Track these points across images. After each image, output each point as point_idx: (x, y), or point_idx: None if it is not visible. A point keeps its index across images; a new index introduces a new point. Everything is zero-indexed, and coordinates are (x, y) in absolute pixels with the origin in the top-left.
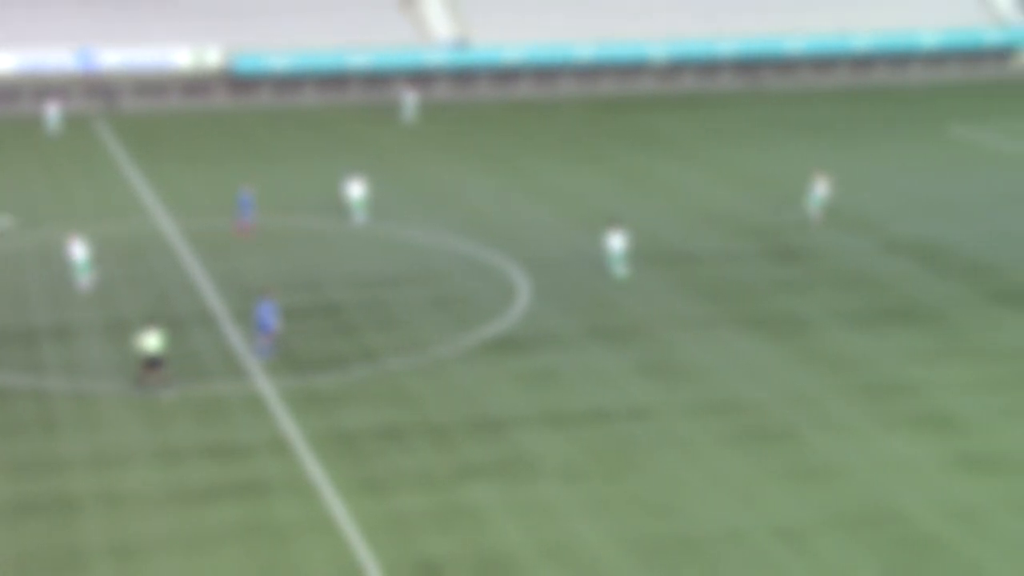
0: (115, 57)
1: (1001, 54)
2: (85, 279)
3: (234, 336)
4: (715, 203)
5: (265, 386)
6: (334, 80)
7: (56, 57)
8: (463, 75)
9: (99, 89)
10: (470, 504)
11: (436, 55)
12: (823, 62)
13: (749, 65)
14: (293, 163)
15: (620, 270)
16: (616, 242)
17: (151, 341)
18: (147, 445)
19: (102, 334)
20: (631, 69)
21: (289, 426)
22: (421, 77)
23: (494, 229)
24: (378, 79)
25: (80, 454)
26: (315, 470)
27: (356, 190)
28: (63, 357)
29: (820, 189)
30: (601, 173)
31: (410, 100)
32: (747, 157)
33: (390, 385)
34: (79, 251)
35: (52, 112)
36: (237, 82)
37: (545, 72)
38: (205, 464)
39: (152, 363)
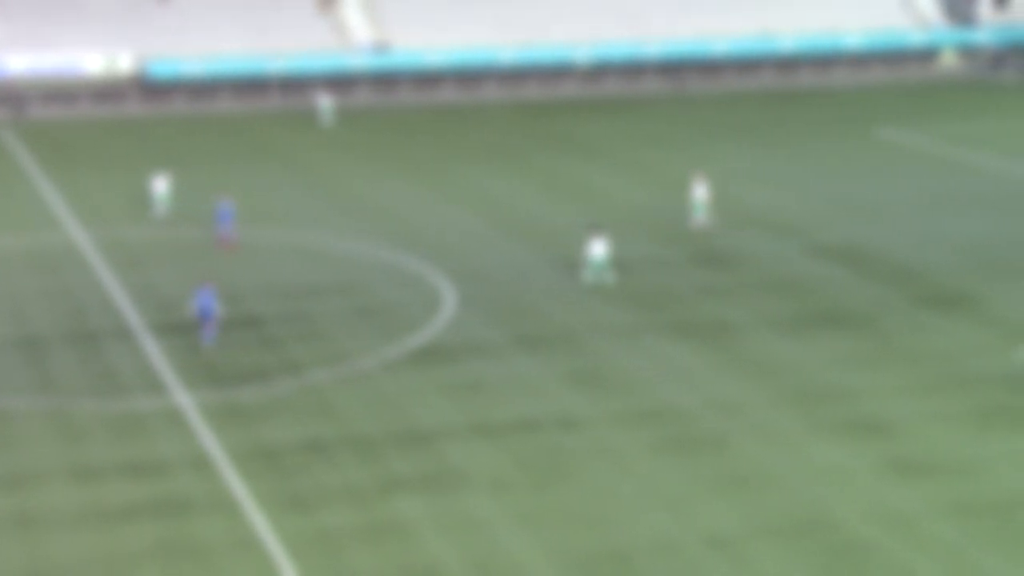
0: (22, 62)
1: (925, 56)
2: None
3: (152, 350)
4: (641, 208)
5: (185, 401)
6: (251, 86)
7: None
8: (384, 80)
9: (5, 96)
10: (397, 519)
11: (356, 60)
12: (747, 64)
13: (673, 68)
14: (209, 171)
15: (605, 276)
16: (598, 248)
17: None
18: (62, 463)
19: (13, 349)
20: (555, 73)
21: (210, 442)
22: (341, 82)
23: (417, 237)
24: (296, 84)
25: None
26: (237, 486)
27: (161, 186)
28: None
29: (699, 192)
30: (526, 179)
31: (327, 105)
32: (672, 161)
33: (314, 398)
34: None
35: None
36: (150, 88)
37: (468, 77)
38: (123, 482)
39: None
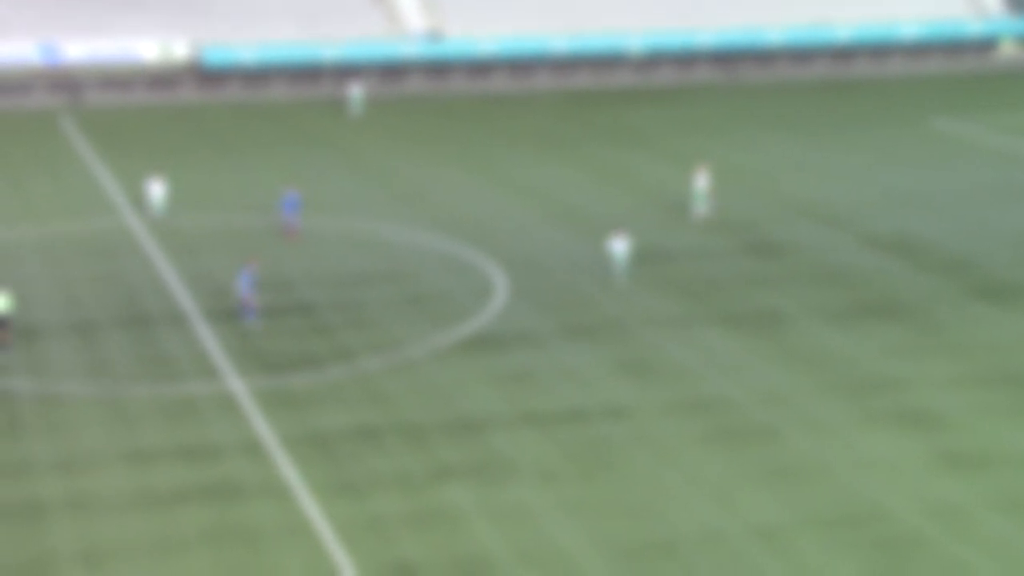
0: (80, 50)
1: (983, 46)
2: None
3: (206, 336)
4: (690, 198)
5: (237, 386)
6: (305, 74)
7: (19, 50)
8: (436, 68)
9: (63, 83)
10: (446, 506)
11: (409, 48)
12: (802, 54)
13: (727, 57)
14: (262, 159)
15: (625, 273)
16: (619, 247)
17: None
18: (116, 447)
19: (68, 334)
20: (607, 62)
21: (262, 427)
22: (393, 70)
23: (469, 226)
24: (349, 72)
25: (47, 458)
26: (289, 472)
27: (156, 189)
28: (28, 359)
29: (701, 182)
30: (577, 167)
31: (357, 95)
32: (724, 151)
33: (365, 385)
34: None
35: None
36: (205, 75)
37: (520, 65)
38: (176, 466)
39: (1, 323)
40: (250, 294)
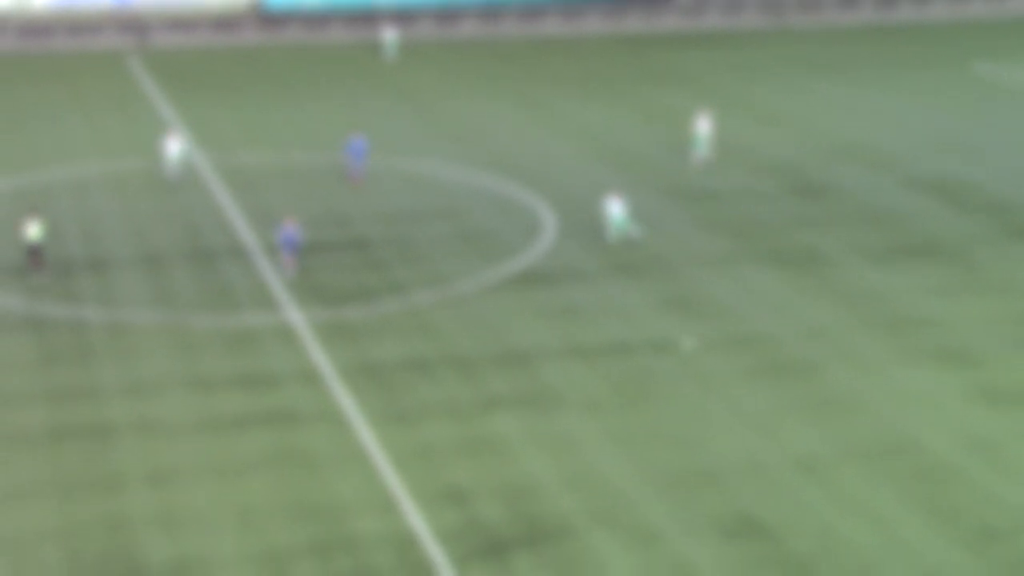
0: None
1: None
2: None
3: (266, 269)
4: (737, 140)
5: (296, 318)
6: (365, 17)
7: None
8: (489, 11)
9: (131, 25)
10: (494, 434)
11: None
12: None
13: (774, 2)
14: (321, 101)
15: (632, 231)
16: (615, 208)
17: (33, 230)
18: (180, 374)
19: (136, 266)
20: (656, 6)
21: (319, 357)
22: (448, 14)
23: (520, 165)
24: (407, 16)
25: (116, 383)
26: (344, 400)
27: (173, 146)
28: (98, 289)
29: (703, 127)
30: (625, 110)
31: (391, 39)
32: (770, 94)
33: (417, 318)
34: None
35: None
36: (267, 18)
37: (571, 9)
38: (237, 393)
39: (34, 251)
40: (289, 250)
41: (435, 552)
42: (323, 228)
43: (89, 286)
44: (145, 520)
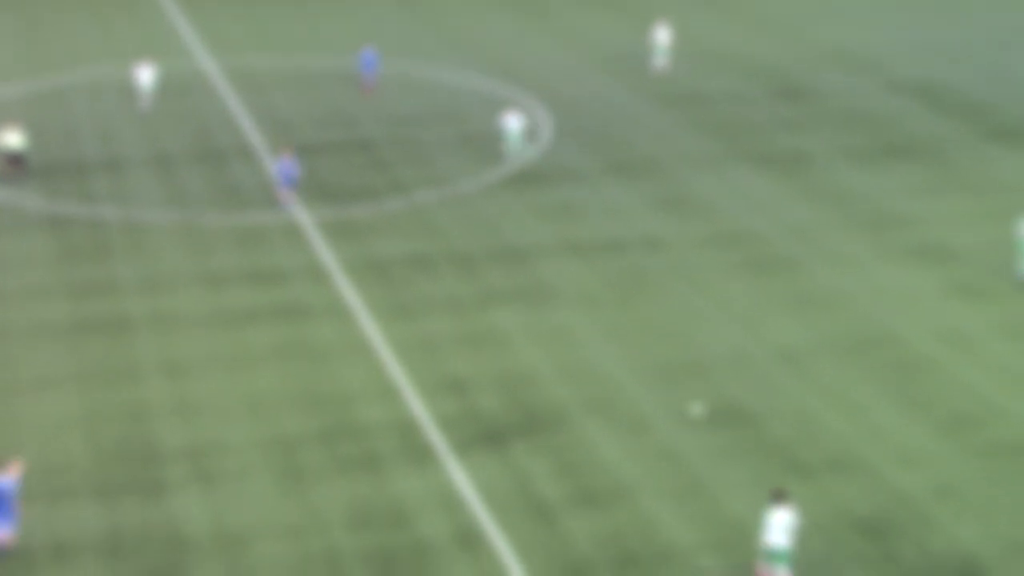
0: None
1: None
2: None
3: (273, 168)
4: (726, 45)
5: (303, 216)
6: None
7: None
8: None
9: None
10: (494, 327)
11: None
12: None
13: None
14: (328, 7)
15: (516, 148)
16: (513, 123)
17: (13, 138)
18: (193, 270)
19: (149, 167)
20: None
21: (325, 254)
22: None
23: (518, 70)
24: None
25: (132, 278)
26: (350, 295)
27: (145, 75)
28: (114, 188)
29: (661, 36)
30: (621, 15)
31: None
32: (759, 0)
33: (419, 217)
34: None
35: None
36: None
37: None
38: (247, 288)
39: (15, 159)
40: (286, 183)
41: (436, 438)
42: (329, 130)
43: (105, 186)
44: (161, 408)
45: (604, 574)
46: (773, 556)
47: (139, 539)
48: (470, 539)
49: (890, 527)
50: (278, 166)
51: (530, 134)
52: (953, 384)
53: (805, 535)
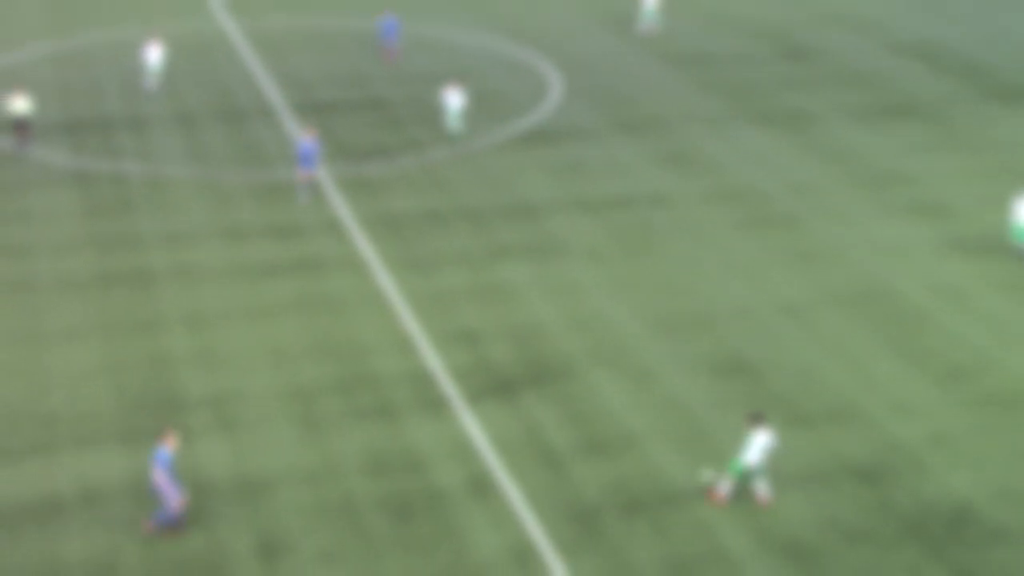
0: None
1: None
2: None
3: (292, 127)
4: (730, 5)
5: (320, 173)
6: None
7: None
8: None
9: None
10: (504, 281)
11: None
12: None
13: None
14: None
15: (456, 125)
16: (454, 99)
17: (20, 104)
18: (214, 225)
19: (172, 124)
20: None
21: (342, 209)
22: None
23: (528, 30)
24: None
25: (156, 233)
26: (365, 249)
27: (154, 54)
28: (137, 145)
29: (650, 1)
30: None
31: None
32: None
33: (432, 174)
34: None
35: None
36: None
37: None
38: (266, 243)
39: (21, 124)
40: (307, 165)
41: (449, 388)
42: (345, 89)
43: (129, 143)
44: (184, 358)
45: (611, 518)
46: (745, 474)
47: None
48: (482, 485)
49: (885, 474)
50: (299, 146)
51: (539, 93)
52: (948, 337)
53: (805, 481)
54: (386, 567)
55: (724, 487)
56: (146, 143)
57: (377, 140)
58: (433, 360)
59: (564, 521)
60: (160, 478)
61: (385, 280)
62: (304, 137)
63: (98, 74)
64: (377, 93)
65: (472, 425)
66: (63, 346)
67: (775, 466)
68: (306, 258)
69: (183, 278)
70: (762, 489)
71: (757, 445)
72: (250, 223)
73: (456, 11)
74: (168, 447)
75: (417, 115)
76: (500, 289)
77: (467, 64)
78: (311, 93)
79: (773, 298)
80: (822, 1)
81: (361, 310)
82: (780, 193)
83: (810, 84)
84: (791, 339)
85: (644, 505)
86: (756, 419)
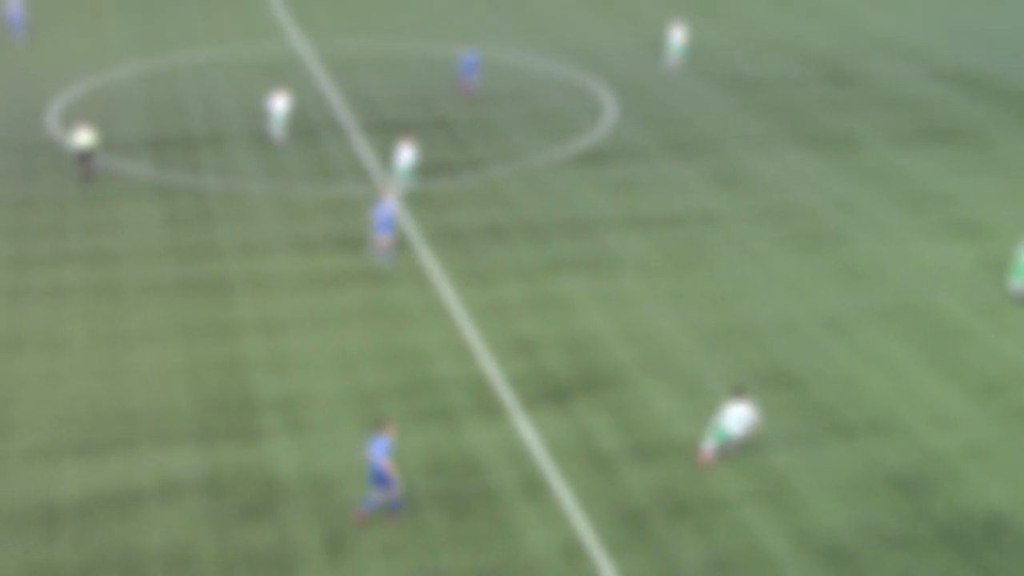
0: None
1: None
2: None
3: (360, 144)
4: (779, 31)
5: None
6: None
7: None
8: None
9: None
10: (561, 293)
11: None
12: None
13: None
14: None
15: (407, 180)
16: (405, 154)
17: (84, 137)
18: (287, 237)
19: (248, 141)
20: None
21: (408, 223)
22: None
23: (585, 53)
24: None
25: (232, 243)
26: (429, 261)
27: (280, 104)
28: (217, 160)
29: (677, 36)
30: (678, 3)
31: None
32: None
33: (493, 190)
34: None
35: None
36: None
37: None
38: (336, 254)
39: (85, 157)
40: (385, 228)
41: (506, 394)
42: (410, 109)
43: (208, 158)
44: (257, 361)
45: (658, 521)
46: (719, 436)
47: (236, 479)
48: (535, 487)
49: (923, 484)
50: (376, 209)
51: (595, 113)
52: (985, 352)
53: (845, 488)
54: (443, 561)
55: (710, 447)
56: (225, 159)
57: (441, 157)
58: (491, 367)
59: (612, 522)
60: (386, 464)
61: (447, 291)
62: (385, 199)
63: (182, 93)
64: (441, 113)
65: (526, 429)
66: (145, 348)
67: (819, 471)
68: (373, 269)
69: (257, 286)
70: (710, 447)
71: (736, 416)
72: (320, 235)
73: (517, 36)
74: (388, 436)
75: (479, 134)
76: (556, 301)
77: (527, 85)
78: (379, 113)
79: (817, 312)
80: (867, 28)
81: (424, 319)
82: (825, 212)
83: (854, 107)
84: (834, 352)
85: (688, 508)
86: (736, 392)
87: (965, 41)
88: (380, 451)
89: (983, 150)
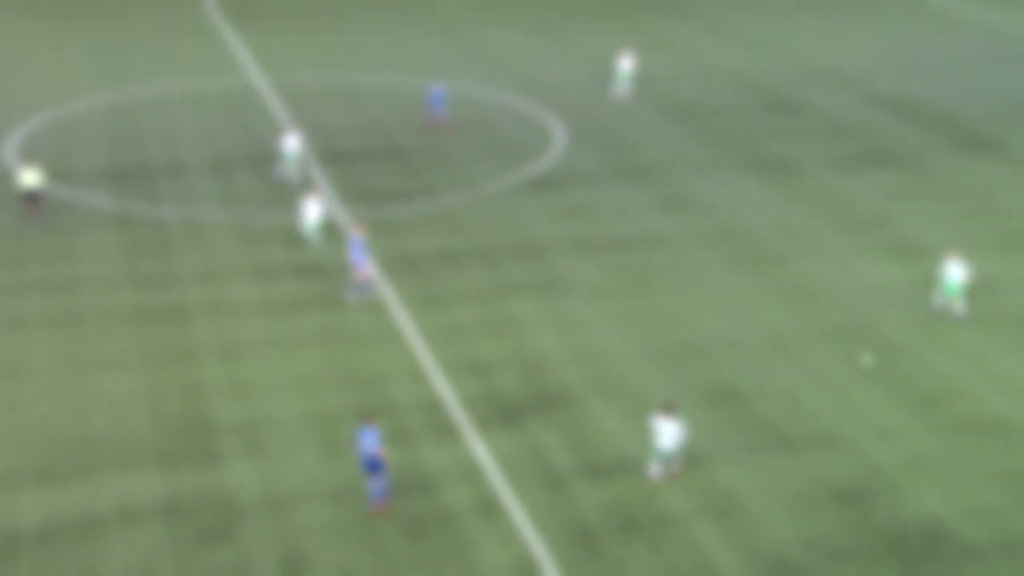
0: None
1: None
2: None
3: (317, 173)
4: (724, 61)
5: (342, 215)
6: None
7: None
8: None
9: None
10: (513, 316)
11: None
12: None
13: None
14: (366, 27)
15: (314, 237)
16: (312, 211)
17: (30, 177)
18: (245, 265)
19: (207, 172)
20: None
21: None
22: None
23: (534, 84)
24: None
25: (191, 271)
26: (384, 287)
27: (292, 142)
28: (175, 190)
29: (625, 66)
30: (629, 35)
31: None
32: (753, 23)
33: (447, 216)
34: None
35: None
36: None
37: None
38: (293, 281)
39: (32, 198)
40: (363, 264)
41: (460, 415)
42: (366, 138)
43: (167, 188)
44: (217, 386)
45: (610, 538)
46: (659, 456)
47: (196, 503)
48: (489, 505)
49: (866, 496)
50: (351, 243)
51: (545, 142)
52: (924, 368)
53: (791, 502)
54: None
55: (655, 470)
56: (183, 189)
57: (396, 185)
58: (445, 389)
59: (565, 539)
60: (383, 452)
61: (402, 315)
62: (354, 233)
63: (141, 125)
64: (396, 142)
65: (480, 449)
66: (105, 374)
67: (765, 486)
68: (329, 295)
69: (216, 312)
70: (656, 470)
71: (667, 433)
72: (278, 262)
73: (470, 67)
74: (376, 428)
75: (434, 162)
76: (508, 323)
77: (478, 115)
78: (335, 142)
79: (761, 331)
80: (807, 59)
81: (379, 343)
82: (768, 234)
83: (796, 134)
84: (778, 369)
85: (639, 525)
86: (664, 408)
87: (897, 70)
88: (372, 440)
89: (917, 174)
